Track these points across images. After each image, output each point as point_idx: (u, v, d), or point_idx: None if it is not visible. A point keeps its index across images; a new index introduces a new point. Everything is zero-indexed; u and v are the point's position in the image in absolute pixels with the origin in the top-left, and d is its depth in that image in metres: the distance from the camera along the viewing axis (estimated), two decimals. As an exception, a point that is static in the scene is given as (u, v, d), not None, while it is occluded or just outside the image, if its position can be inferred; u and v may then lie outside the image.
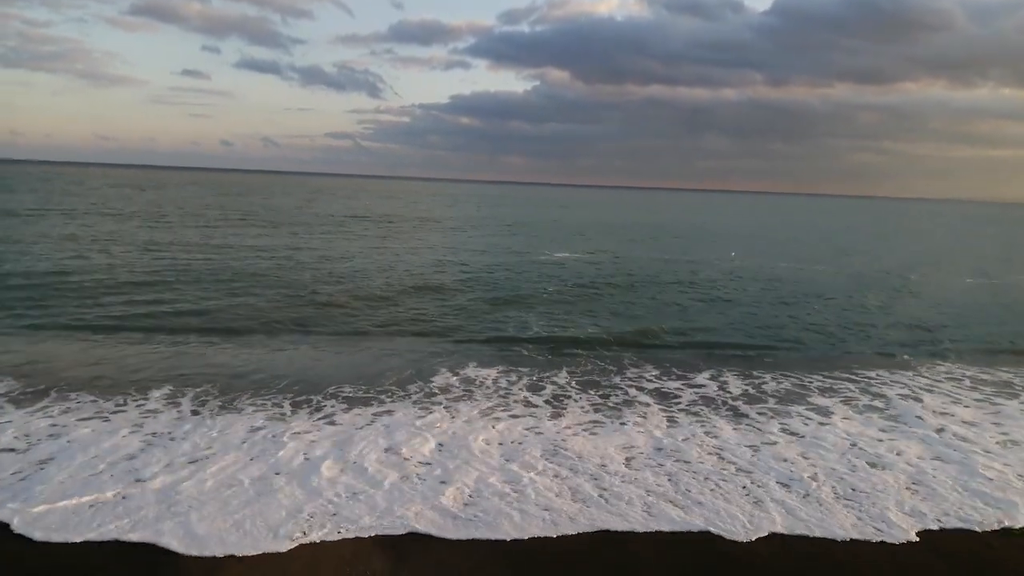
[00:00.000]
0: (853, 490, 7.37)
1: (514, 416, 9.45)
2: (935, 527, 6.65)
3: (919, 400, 10.81)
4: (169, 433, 8.40)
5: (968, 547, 6.36)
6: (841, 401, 10.65)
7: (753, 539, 6.28)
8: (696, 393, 10.86)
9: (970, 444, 8.83)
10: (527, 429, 8.93)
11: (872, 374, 12.43)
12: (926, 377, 12.34)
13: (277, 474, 7.28)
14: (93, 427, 8.52)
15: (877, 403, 10.59)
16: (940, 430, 9.34)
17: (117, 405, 9.35)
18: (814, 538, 6.37)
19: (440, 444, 8.25)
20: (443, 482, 7.22)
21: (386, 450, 8.03)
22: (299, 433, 8.48)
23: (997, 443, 8.93)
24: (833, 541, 6.29)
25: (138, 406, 9.34)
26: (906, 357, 13.98)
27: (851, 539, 6.34)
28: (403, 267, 24.85)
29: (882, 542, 6.32)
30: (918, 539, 6.40)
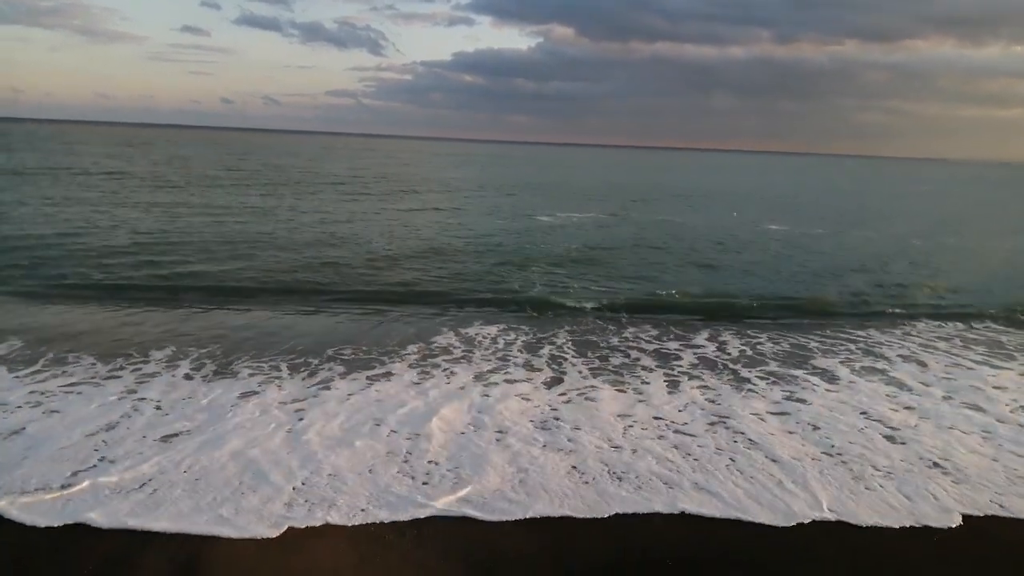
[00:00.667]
0: (875, 468, 6.71)
1: (513, 381, 8.86)
2: (977, 513, 5.94)
3: (920, 363, 10.28)
4: (158, 401, 7.78)
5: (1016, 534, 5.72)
6: (842, 363, 10.14)
7: (791, 524, 5.63)
8: (696, 355, 10.32)
9: (984, 415, 8.24)
10: (528, 396, 8.34)
11: (863, 333, 11.96)
12: (920, 337, 11.86)
13: (264, 448, 6.64)
14: (84, 392, 7.95)
15: (880, 365, 10.05)
16: (948, 397, 8.80)
17: (111, 370, 8.75)
18: (848, 524, 5.70)
19: (438, 414, 7.63)
20: (436, 461, 6.53)
21: (379, 422, 7.40)
22: (292, 401, 7.90)
23: (1011, 411, 8.38)
24: (868, 527, 5.63)
25: (134, 370, 8.75)
26: (898, 316, 13.52)
27: (886, 526, 5.66)
28: (407, 229, 24.08)
29: (926, 527, 5.64)
30: (962, 524, 5.74)
